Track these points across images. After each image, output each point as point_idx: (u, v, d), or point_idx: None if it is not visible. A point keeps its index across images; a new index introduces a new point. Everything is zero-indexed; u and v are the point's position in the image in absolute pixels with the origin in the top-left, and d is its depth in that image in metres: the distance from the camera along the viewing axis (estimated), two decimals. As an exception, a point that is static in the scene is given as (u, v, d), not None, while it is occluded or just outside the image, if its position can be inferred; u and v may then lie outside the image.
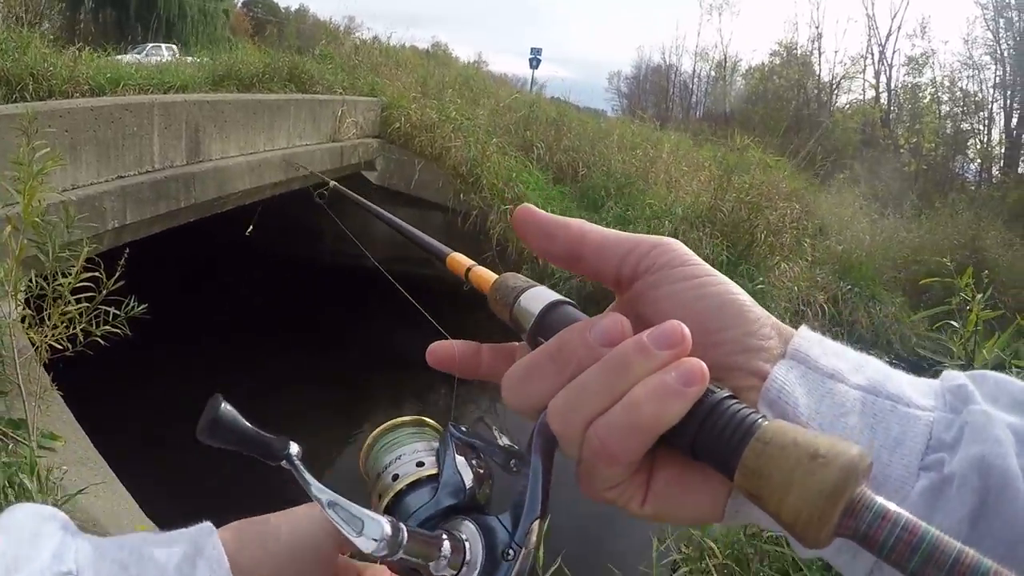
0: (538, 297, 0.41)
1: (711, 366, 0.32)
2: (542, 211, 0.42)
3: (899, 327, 8.81)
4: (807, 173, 15.20)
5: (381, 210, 1.02)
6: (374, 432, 0.46)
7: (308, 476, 0.39)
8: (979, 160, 22.94)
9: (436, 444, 0.45)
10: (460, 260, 0.55)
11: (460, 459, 0.42)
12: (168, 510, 2.69)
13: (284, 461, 0.40)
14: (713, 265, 0.38)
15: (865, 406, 0.33)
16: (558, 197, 9.70)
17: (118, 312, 2.87)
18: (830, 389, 0.34)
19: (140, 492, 2.73)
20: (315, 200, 1.68)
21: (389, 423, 0.47)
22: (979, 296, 2.21)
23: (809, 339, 0.36)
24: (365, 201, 1.30)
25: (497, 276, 0.47)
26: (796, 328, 0.37)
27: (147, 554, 0.37)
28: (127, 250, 3.22)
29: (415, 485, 0.42)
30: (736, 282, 0.37)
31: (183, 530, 0.40)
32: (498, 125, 10.86)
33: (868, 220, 12.67)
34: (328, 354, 7.47)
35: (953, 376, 0.35)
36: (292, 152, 6.96)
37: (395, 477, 0.43)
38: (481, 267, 0.51)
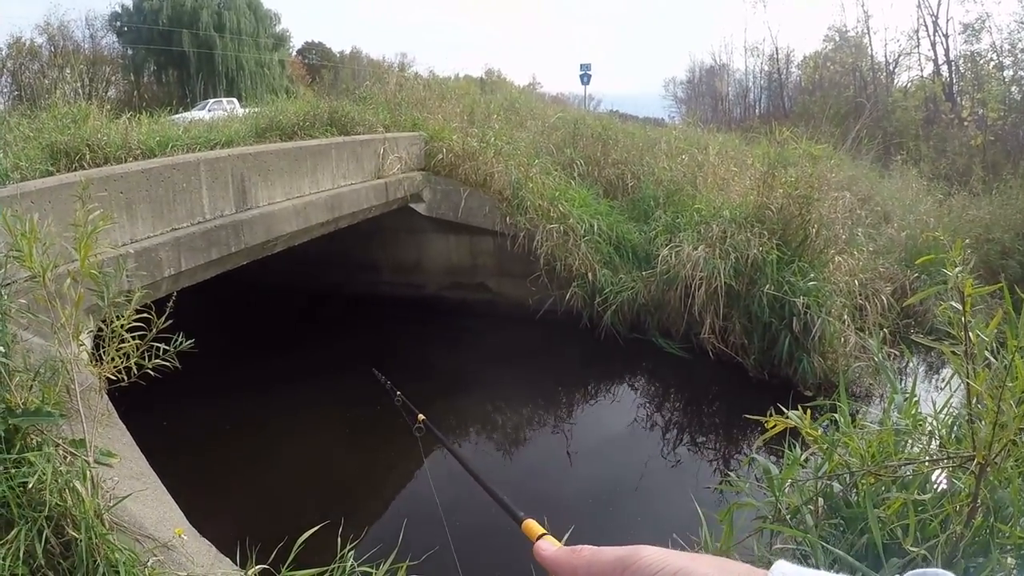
0: None
1: None
2: (549, 549, 0.51)
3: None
4: (866, 159, 14.66)
5: (464, 458, 1.14)
6: None
7: None
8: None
9: None
10: (534, 529, 0.62)
11: None
12: (210, 521, 2.95)
13: None
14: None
15: None
16: (606, 212, 9.69)
17: (167, 347, 3.15)
18: None
19: (188, 504, 2.99)
20: (413, 434, 1.87)
21: None
22: (957, 270, 2.11)
23: None
24: (450, 445, 1.41)
25: None
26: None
27: None
28: (174, 295, 3.52)
29: None
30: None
31: None
32: (543, 146, 10.99)
33: (934, 200, 12.11)
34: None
35: None
36: (337, 192, 7.33)
37: None
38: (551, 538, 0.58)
